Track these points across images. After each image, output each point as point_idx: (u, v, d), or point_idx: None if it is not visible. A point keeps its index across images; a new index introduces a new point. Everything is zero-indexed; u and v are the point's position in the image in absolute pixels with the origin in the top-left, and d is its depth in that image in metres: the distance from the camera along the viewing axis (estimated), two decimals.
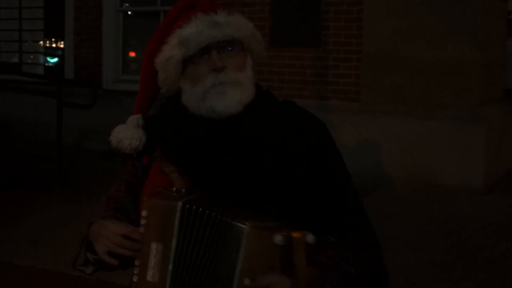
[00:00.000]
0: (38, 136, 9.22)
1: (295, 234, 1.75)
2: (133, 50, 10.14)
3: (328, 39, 7.92)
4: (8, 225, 5.93)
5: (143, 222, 1.90)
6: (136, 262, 1.91)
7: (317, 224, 1.93)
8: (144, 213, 1.90)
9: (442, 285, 4.75)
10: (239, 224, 1.76)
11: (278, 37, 7.98)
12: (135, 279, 1.91)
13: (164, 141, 2.04)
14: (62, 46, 10.35)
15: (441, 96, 7.26)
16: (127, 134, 2.07)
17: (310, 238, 1.75)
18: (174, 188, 1.95)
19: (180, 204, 1.85)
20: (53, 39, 10.50)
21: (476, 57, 7.17)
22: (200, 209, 1.82)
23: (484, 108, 7.30)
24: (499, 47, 8.18)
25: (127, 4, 10.08)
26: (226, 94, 1.96)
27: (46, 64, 10.64)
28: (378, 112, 7.45)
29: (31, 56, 10.85)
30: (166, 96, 2.12)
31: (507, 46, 8.71)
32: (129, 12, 10.04)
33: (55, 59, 10.53)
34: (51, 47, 10.57)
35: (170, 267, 1.85)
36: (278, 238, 1.72)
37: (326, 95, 7.94)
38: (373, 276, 1.98)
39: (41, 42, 10.60)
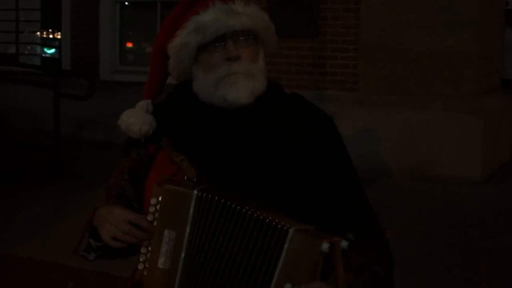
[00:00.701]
0: (35, 127, 9.21)
1: (336, 240, 1.72)
2: (130, 41, 10.12)
3: (325, 30, 7.90)
4: (5, 217, 5.92)
5: (151, 209, 1.89)
6: (143, 250, 1.90)
7: (334, 223, 1.90)
8: (153, 200, 1.88)
9: (440, 275, 4.75)
10: (282, 226, 1.73)
11: (275, 27, 7.94)
12: (140, 266, 1.90)
13: (173, 128, 2.02)
14: (59, 37, 10.32)
15: (439, 87, 7.26)
16: (137, 119, 2.03)
17: (344, 244, 1.72)
18: (185, 177, 1.93)
19: (195, 192, 1.84)
20: (50, 30, 10.47)
21: (474, 48, 7.17)
22: (216, 198, 1.81)
23: (482, 99, 7.30)
24: (497, 38, 8.17)
25: None
26: (238, 84, 1.95)
27: (43, 55, 10.62)
28: (376, 103, 7.44)
29: (28, 47, 10.83)
30: (175, 84, 2.10)
31: (505, 36, 8.69)
32: (126, 3, 10.01)
33: (52, 50, 10.51)
34: (48, 38, 10.54)
35: (183, 255, 1.84)
36: (325, 246, 1.69)
37: (323, 86, 7.93)
38: (393, 273, 1.99)
39: (38, 33, 10.57)
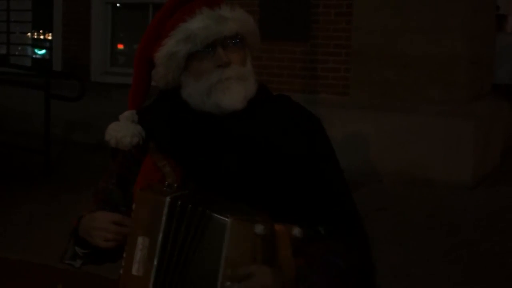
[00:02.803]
0: (25, 128, 9.17)
1: (278, 227, 1.76)
2: (121, 43, 10.09)
3: (317, 33, 7.90)
4: None
5: (133, 215, 1.89)
6: (124, 255, 1.90)
7: (309, 216, 1.92)
8: (134, 205, 1.89)
9: (430, 279, 4.76)
10: (221, 217, 1.75)
11: (267, 30, 7.91)
12: (122, 271, 1.90)
13: (161, 135, 2.01)
14: (50, 38, 10.29)
15: (430, 91, 7.27)
16: (127, 132, 2.01)
17: (296, 231, 1.76)
18: (166, 183, 1.93)
19: (168, 199, 1.84)
20: (41, 31, 10.43)
21: (466, 53, 7.18)
22: (189, 205, 1.81)
23: (473, 104, 7.31)
24: (488, 43, 8.19)
25: None
26: (232, 89, 1.95)
27: (34, 56, 10.58)
28: (367, 107, 7.45)
29: (19, 48, 10.78)
30: (160, 90, 2.09)
31: (496, 41, 8.73)
32: (118, 4, 9.98)
33: (43, 51, 10.47)
34: (39, 39, 10.50)
35: (155, 262, 1.84)
36: (259, 228, 1.72)
37: (315, 89, 7.93)
38: (361, 269, 1.98)
39: (29, 34, 10.53)
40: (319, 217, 1.95)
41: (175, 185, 1.92)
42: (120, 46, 10.10)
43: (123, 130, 2.02)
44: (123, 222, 1.91)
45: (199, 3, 1.99)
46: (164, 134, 2.01)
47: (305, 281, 1.81)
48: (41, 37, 10.46)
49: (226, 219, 1.74)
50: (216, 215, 1.76)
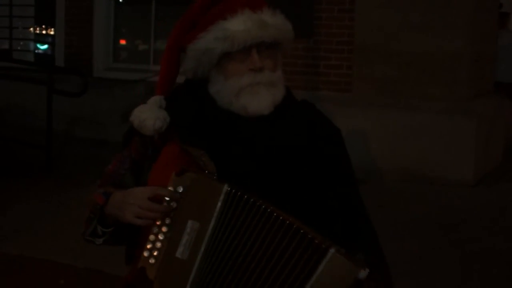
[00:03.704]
0: (27, 123, 9.18)
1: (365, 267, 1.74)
2: (124, 38, 10.09)
3: (320, 30, 7.90)
4: None
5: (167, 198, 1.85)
6: (151, 237, 1.86)
7: (342, 239, 1.90)
8: (180, 188, 1.84)
9: (430, 276, 4.76)
10: (321, 244, 1.74)
11: None
12: (146, 253, 1.86)
13: (188, 126, 1.99)
14: (52, 33, 10.29)
15: (432, 89, 7.27)
16: (151, 114, 1.99)
17: (363, 274, 1.75)
18: (207, 171, 1.90)
19: (226, 186, 1.82)
20: (43, 26, 10.44)
21: (468, 50, 7.18)
22: (246, 196, 1.80)
23: (474, 102, 7.31)
24: (491, 41, 8.19)
25: None
26: (260, 95, 1.96)
27: (37, 51, 10.59)
28: (369, 104, 7.45)
29: (21, 43, 10.79)
30: (186, 79, 2.09)
31: (498, 39, 8.71)
32: (121, 0, 9.99)
33: (46, 46, 10.47)
34: (41, 34, 10.51)
35: (203, 248, 1.82)
36: (363, 274, 1.72)
37: (317, 86, 7.93)
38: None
39: (32, 29, 10.54)
40: (348, 236, 1.94)
41: (215, 175, 1.90)
42: (123, 42, 10.11)
43: (147, 113, 2.00)
44: (161, 193, 1.85)
45: (242, 3, 1.98)
46: (189, 126, 1.99)
47: None
48: (44, 32, 10.47)
49: (328, 248, 1.73)
50: (312, 237, 1.75)
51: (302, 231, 1.75)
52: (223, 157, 1.94)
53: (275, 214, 1.77)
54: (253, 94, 1.95)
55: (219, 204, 1.81)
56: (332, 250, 1.73)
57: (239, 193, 1.80)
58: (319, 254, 1.73)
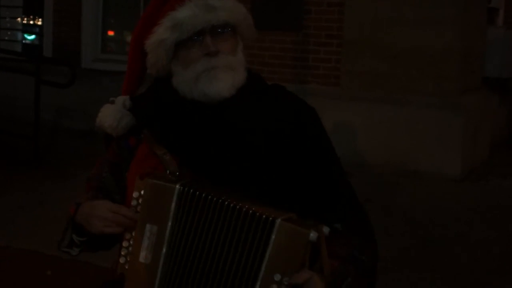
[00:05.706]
0: (15, 114, 9.13)
1: (321, 228, 1.73)
2: (112, 29, 10.06)
3: (309, 23, 7.90)
4: None
5: (134, 202, 1.89)
6: (124, 243, 1.90)
7: (312, 209, 1.91)
8: (136, 194, 1.88)
9: (415, 271, 4.77)
10: (267, 217, 1.74)
11: (258, 20, 7.76)
12: (122, 260, 1.90)
13: (155, 122, 2.02)
14: (40, 23, 10.24)
15: (420, 84, 7.28)
16: (111, 115, 2.05)
17: (326, 229, 1.74)
18: (168, 171, 1.93)
19: (178, 186, 1.84)
20: (31, 16, 10.38)
21: (457, 46, 7.19)
22: (198, 192, 1.81)
23: (463, 97, 7.33)
24: (479, 36, 8.21)
25: None
26: (218, 78, 1.95)
27: (24, 42, 10.54)
28: (358, 98, 7.45)
29: (9, 33, 10.72)
30: (154, 78, 2.10)
31: (487, 34, 8.73)
32: None
33: (34, 37, 10.42)
34: (29, 24, 10.45)
35: (164, 249, 1.84)
36: (313, 236, 1.70)
37: (306, 79, 7.93)
38: (376, 263, 2.01)
39: (20, 19, 10.48)
40: (330, 212, 1.94)
41: (177, 173, 1.92)
42: (111, 33, 10.07)
43: (107, 112, 2.06)
44: (119, 211, 1.90)
45: None
46: (156, 122, 2.01)
47: (343, 283, 1.84)
48: (32, 22, 10.41)
49: (276, 220, 1.73)
50: (256, 212, 1.75)
51: (251, 211, 1.75)
52: (192, 146, 1.95)
53: (226, 203, 1.78)
54: (211, 78, 1.95)
55: (173, 204, 1.84)
56: (278, 220, 1.73)
57: (191, 191, 1.82)
58: (268, 227, 1.73)
